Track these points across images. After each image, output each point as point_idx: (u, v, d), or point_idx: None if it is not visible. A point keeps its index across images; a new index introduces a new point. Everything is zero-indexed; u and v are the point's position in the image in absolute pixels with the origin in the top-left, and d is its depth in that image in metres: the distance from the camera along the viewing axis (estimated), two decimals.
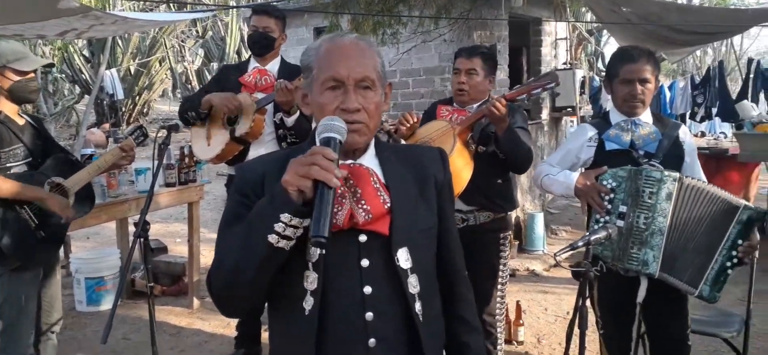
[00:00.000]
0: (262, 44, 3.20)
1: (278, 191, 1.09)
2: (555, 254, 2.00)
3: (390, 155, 1.32)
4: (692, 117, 9.43)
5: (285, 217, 1.08)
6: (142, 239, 2.32)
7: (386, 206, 1.22)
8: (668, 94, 9.68)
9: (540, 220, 5.75)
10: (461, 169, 2.45)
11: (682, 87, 9.43)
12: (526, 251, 5.69)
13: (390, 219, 1.22)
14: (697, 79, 9.33)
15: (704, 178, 2.32)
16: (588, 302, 2.01)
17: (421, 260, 1.26)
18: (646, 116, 2.35)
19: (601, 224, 2.17)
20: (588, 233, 2.04)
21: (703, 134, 13.42)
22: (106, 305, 4.25)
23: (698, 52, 21.31)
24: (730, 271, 2.12)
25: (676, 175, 2.16)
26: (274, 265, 1.13)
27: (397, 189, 1.25)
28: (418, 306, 1.23)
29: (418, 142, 2.60)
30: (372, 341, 1.20)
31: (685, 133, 2.38)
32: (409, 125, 2.67)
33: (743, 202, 2.14)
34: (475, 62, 2.72)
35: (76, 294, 4.42)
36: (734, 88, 10.08)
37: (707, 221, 2.14)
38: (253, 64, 3.28)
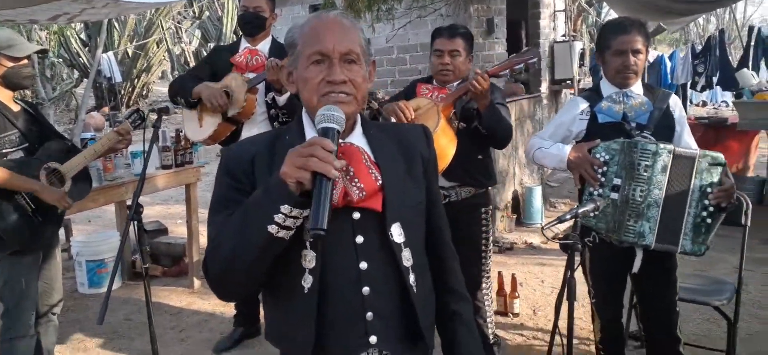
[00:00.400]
0: (253, 24, 3.19)
1: (276, 183, 1.10)
2: (543, 227, 2.01)
3: (377, 133, 1.34)
4: (693, 86, 9.39)
5: (285, 208, 1.09)
6: (135, 221, 2.34)
7: (378, 183, 1.24)
8: (669, 64, 9.62)
9: (538, 193, 5.76)
10: (446, 146, 2.46)
11: (683, 57, 9.38)
12: (524, 225, 5.71)
13: (382, 196, 1.24)
14: (698, 48, 9.27)
15: (695, 146, 2.33)
16: (581, 273, 2.02)
17: (413, 235, 1.29)
18: (637, 88, 2.35)
19: (589, 197, 2.18)
20: (576, 206, 2.05)
21: (704, 104, 13.37)
22: None
23: (700, 20, 21.09)
24: (709, 220, 2.14)
25: (671, 147, 2.16)
26: (272, 253, 1.15)
27: (387, 166, 1.28)
28: (412, 279, 1.27)
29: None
30: (370, 314, 1.23)
31: (675, 102, 2.38)
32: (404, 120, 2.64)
33: (699, 151, 2.16)
34: (456, 43, 2.73)
35: (78, 277, 4.47)
36: (737, 56, 10.00)
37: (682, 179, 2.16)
38: (244, 44, 3.26)
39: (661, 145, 2.15)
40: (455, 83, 2.74)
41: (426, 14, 5.81)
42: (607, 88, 2.37)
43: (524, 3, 7.18)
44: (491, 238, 2.95)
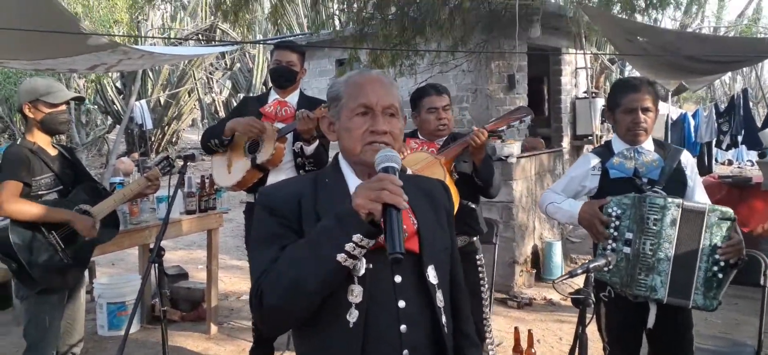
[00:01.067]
0: (285, 77, 3.34)
1: (348, 213, 1.19)
2: (554, 281, 2.02)
3: (405, 182, 1.41)
4: (718, 145, 9.30)
5: (357, 237, 1.18)
6: (156, 264, 2.41)
7: (415, 226, 1.35)
8: (692, 122, 9.57)
9: (558, 248, 5.71)
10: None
11: (707, 115, 9.32)
12: (543, 280, 5.64)
13: (418, 238, 1.34)
14: (722, 107, 9.22)
15: (708, 201, 2.33)
16: (596, 329, 2.01)
17: (443, 278, 1.38)
18: (648, 144, 2.38)
19: (601, 252, 2.20)
20: (588, 261, 2.07)
21: (730, 162, 13.18)
22: None
23: (726, 79, 20.98)
24: (720, 275, 2.13)
25: (680, 201, 2.18)
26: (336, 282, 1.23)
27: (420, 212, 1.38)
28: (444, 319, 1.35)
29: None
30: (406, 352, 1.29)
31: (687, 159, 2.41)
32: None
33: (708, 205, 2.17)
34: (445, 99, 2.89)
35: (99, 319, 4.53)
36: (763, 115, 9.91)
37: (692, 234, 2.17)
38: (274, 95, 3.40)
39: (670, 200, 2.17)
40: (442, 139, 2.87)
41: (448, 70, 5.95)
42: (618, 144, 2.41)
43: (546, 60, 7.29)
44: (487, 285, 3.01)
